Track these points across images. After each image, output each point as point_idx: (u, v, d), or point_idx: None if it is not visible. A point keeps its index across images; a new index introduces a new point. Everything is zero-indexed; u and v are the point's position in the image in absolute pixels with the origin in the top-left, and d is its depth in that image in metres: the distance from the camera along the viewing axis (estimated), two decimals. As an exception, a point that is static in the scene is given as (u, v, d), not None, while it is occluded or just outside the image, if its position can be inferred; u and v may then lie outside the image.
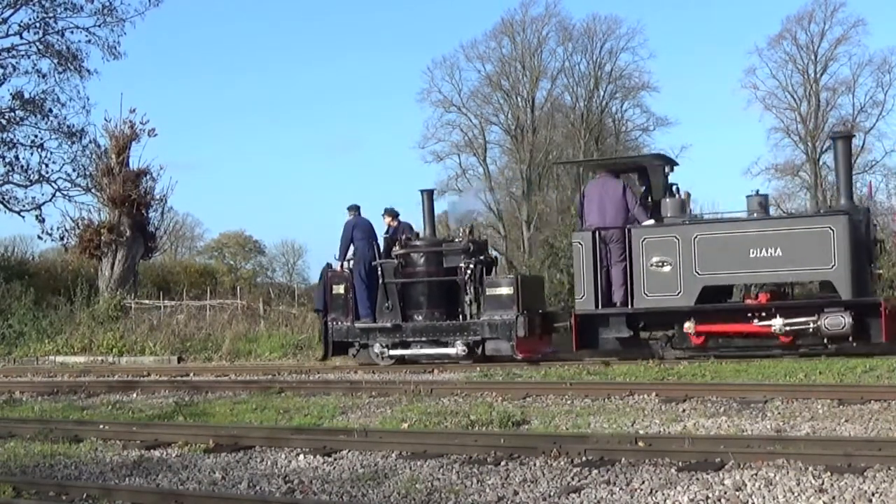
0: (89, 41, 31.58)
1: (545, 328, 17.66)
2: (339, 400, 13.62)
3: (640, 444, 9.10)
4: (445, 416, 11.57)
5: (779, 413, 10.88)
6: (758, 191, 16.69)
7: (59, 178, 31.12)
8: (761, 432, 9.81)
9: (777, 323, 15.45)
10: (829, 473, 7.75)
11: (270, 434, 10.68)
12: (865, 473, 7.69)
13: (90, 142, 31.05)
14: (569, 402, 12.40)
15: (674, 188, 17.25)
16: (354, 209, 19.24)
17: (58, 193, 31.00)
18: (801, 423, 10.18)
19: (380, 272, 18.27)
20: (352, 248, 18.88)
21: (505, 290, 17.29)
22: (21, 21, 31.44)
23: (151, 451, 10.45)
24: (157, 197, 29.67)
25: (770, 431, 9.85)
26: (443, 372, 16.82)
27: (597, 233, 16.76)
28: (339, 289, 18.71)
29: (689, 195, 17.35)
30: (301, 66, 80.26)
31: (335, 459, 9.45)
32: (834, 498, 7.16)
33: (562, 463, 8.70)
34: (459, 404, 12.61)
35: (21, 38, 31.45)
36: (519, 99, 53.13)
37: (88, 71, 31.82)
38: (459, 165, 53.48)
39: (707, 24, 72.86)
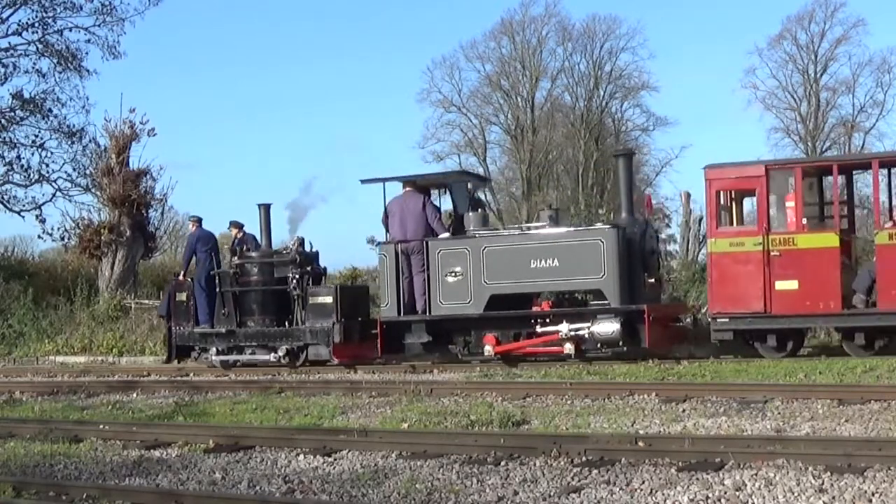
0: (89, 41, 31.61)
1: (364, 335, 18.40)
2: (339, 400, 13.62)
3: (640, 444, 9.10)
4: (445, 416, 11.57)
5: (779, 413, 10.87)
6: (551, 205, 17.38)
7: (59, 177, 31.16)
8: (761, 432, 9.81)
9: (563, 328, 16.32)
10: (829, 473, 7.75)
11: (270, 434, 10.68)
12: (865, 473, 7.69)
13: (90, 141, 31.08)
14: (569, 402, 12.40)
15: (483, 200, 18.06)
16: (196, 220, 20.50)
17: (58, 193, 31.03)
18: (801, 423, 10.18)
19: (217, 281, 19.30)
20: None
21: (326, 300, 18.27)
22: (20, 20, 31.50)
23: (151, 451, 10.45)
24: (157, 197, 29.63)
25: (770, 431, 9.85)
26: (443, 372, 16.83)
27: (398, 245, 17.70)
28: (182, 296, 19.97)
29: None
30: (301, 66, 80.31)
31: (335, 459, 9.45)
32: (834, 498, 7.16)
33: (562, 463, 8.70)
34: (459, 404, 12.61)
35: (21, 37, 31.51)
36: (519, 99, 53.16)
37: (88, 71, 31.86)
38: (459, 165, 53.43)
39: (707, 24, 72.90)
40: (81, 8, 31.38)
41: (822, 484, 7.48)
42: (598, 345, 16.34)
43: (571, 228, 17.56)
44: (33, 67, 31.43)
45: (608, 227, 16.80)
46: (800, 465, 8.02)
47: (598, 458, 8.68)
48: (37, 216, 30.83)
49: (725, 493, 7.40)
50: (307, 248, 19.19)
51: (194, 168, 70.95)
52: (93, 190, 30.22)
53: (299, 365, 18.32)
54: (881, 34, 79.86)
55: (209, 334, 19.27)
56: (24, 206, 31.10)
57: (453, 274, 17.06)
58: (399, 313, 17.62)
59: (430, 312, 17.42)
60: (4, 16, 31.32)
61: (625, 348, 16.10)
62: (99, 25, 31.50)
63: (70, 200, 30.81)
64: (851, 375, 13.55)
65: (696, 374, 14.65)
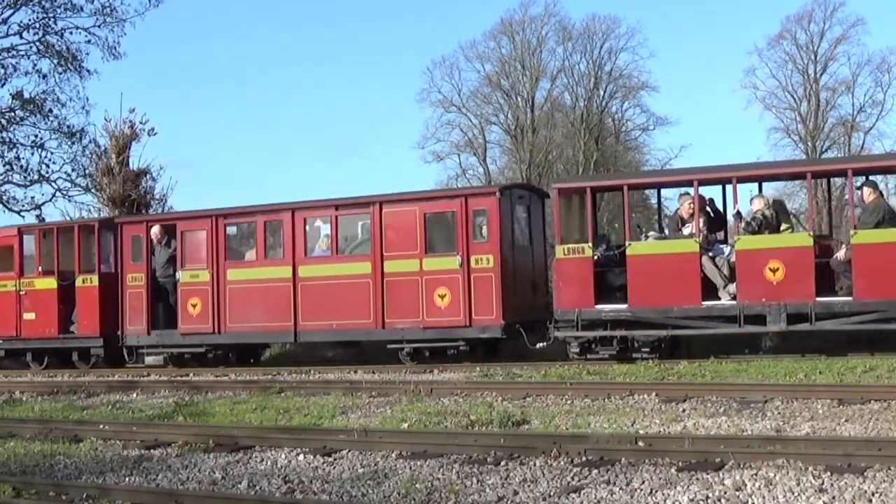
0: (89, 41, 31.65)
1: None
2: (339, 400, 13.62)
3: (640, 444, 9.10)
4: (445, 416, 11.57)
5: (779, 413, 10.88)
6: None
7: (59, 178, 31.23)
8: (761, 432, 9.81)
9: None
10: (829, 473, 7.75)
11: (270, 434, 10.68)
12: (865, 473, 7.69)
13: (90, 142, 31.13)
14: (569, 402, 12.40)
15: None
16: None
17: (58, 193, 31.12)
18: (801, 423, 10.18)
19: None
20: None
21: None
22: (21, 21, 31.52)
23: (151, 450, 10.46)
24: (157, 197, 29.56)
25: (770, 431, 9.85)
26: (443, 372, 16.82)
27: None
28: None
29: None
30: (301, 66, 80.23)
31: (335, 459, 9.45)
32: (834, 498, 7.16)
33: (562, 463, 8.70)
34: (459, 404, 12.61)
35: (21, 38, 31.53)
36: (519, 99, 53.12)
37: (88, 71, 31.89)
38: (459, 165, 53.47)
39: (707, 24, 72.81)
40: (82, 9, 31.46)
41: (822, 484, 7.48)
42: None
43: None
44: (34, 68, 31.51)
45: None
46: (800, 465, 8.03)
47: (598, 458, 8.68)
48: (37, 216, 30.88)
49: (725, 493, 7.40)
50: None
51: (194, 168, 70.86)
52: (93, 190, 30.23)
53: None
54: (881, 34, 79.75)
55: None
56: (23, 206, 31.20)
57: None
58: None
59: None
60: (5, 16, 31.38)
61: None
62: (99, 26, 31.58)
63: (70, 200, 30.92)
64: (851, 375, 13.55)
65: (696, 374, 14.65)
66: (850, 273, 14.98)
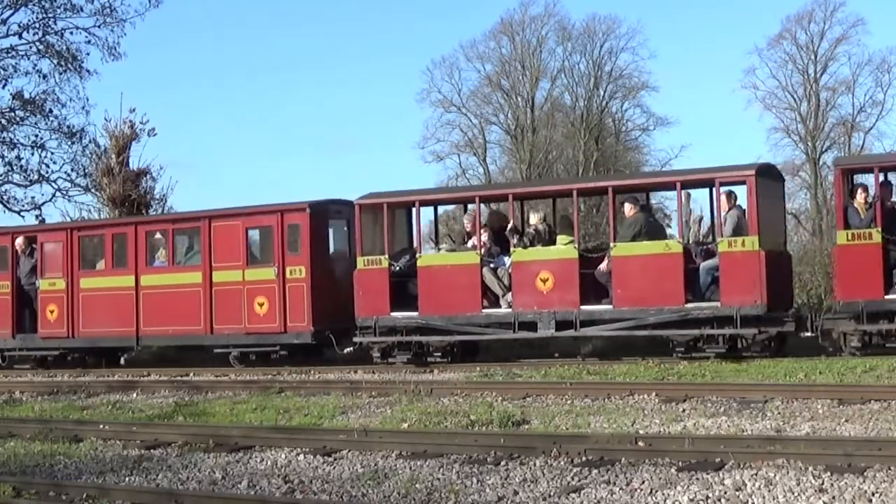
0: (89, 41, 31.58)
1: None
2: (339, 400, 13.62)
3: (640, 444, 9.10)
4: (445, 416, 11.57)
5: (779, 413, 10.87)
6: None
7: (59, 178, 31.19)
8: (761, 432, 9.81)
9: None
10: (829, 473, 7.75)
11: (270, 434, 10.68)
12: (865, 473, 7.69)
13: (90, 142, 31.08)
14: (569, 402, 12.40)
15: None
16: None
17: (58, 193, 31.07)
18: (801, 423, 10.18)
19: None
20: None
21: None
22: (21, 22, 31.49)
23: (151, 450, 10.46)
24: (157, 197, 29.55)
25: (770, 431, 9.85)
26: (443, 372, 16.84)
27: None
28: None
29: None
30: (301, 66, 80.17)
31: (335, 459, 9.45)
32: (834, 498, 7.16)
33: (562, 463, 8.70)
34: (459, 404, 12.61)
35: (21, 38, 31.50)
36: (519, 99, 53.05)
37: (88, 71, 31.83)
38: (459, 165, 53.40)
39: (707, 24, 72.72)
40: (82, 9, 31.41)
41: (822, 484, 7.48)
42: None
43: None
44: (34, 68, 31.48)
45: None
46: (800, 465, 8.03)
47: (598, 458, 8.68)
48: (37, 216, 30.87)
49: (725, 493, 7.41)
50: None
51: (194, 168, 70.83)
52: (92, 190, 30.24)
53: None
54: (881, 34, 79.71)
55: None
56: (23, 206, 31.17)
57: None
58: None
59: None
60: (5, 17, 31.34)
61: None
62: (99, 26, 31.52)
63: (70, 201, 30.87)
64: (851, 375, 13.54)
65: (696, 374, 14.64)
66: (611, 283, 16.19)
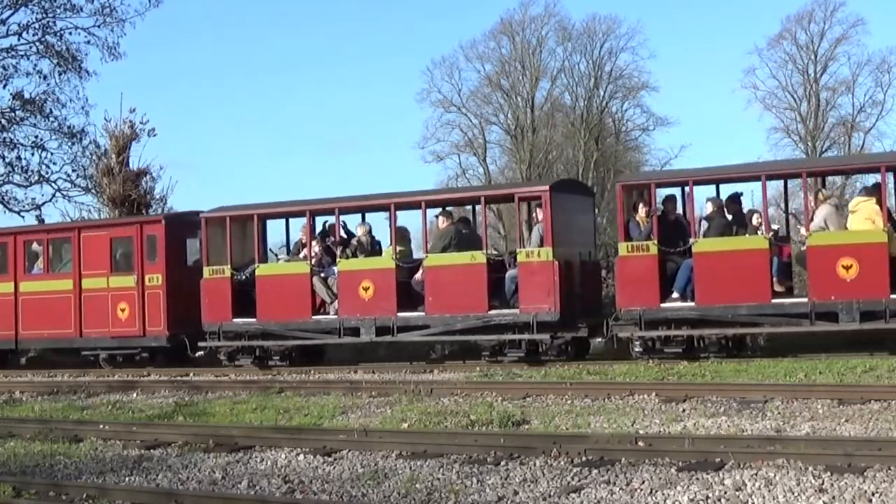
0: (89, 42, 31.58)
1: None
2: (339, 400, 13.62)
3: (640, 444, 9.10)
4: (445, 416, 11.58)
5: (779, 413, 10.87)
6: None
7: (59, 178, 31.19)
8: (761, 432, 9.81)
9: None
10: (829, 473, 7.75)
11: (270, 434, 10.69)
12: (865, 473, 7.69)
13: (90, 142, 31.08)
14: (569, 402, 12.40)
15: None
16: None
17: (58, 194, 31.08)
18: (801, 423, 10.18)
19: None
20: None
21: None
22: (21, 22, 31.48)
23: (151, 450, 10.46)
24: (158, 197, 29.56)
25: (770, 431, 9.85)
26: (443, 372, 16.85)
27: None
28: None
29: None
30: (301, 66, 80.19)
31: (335, 459, 9.45)
32: (834, 498, 7.16)
33: (562, 463, 8.70)
34: (459, 404, 12.61)
35: (20, 38, 31.49)
36: (519, 99, 53.05)
37: (88, 72, 31.83)
38: (459, 165, 53.41)
39: (707, 24, 72.76)
40: (82, 9, 31.40)
41: (822, 484, 7.48)
42: None
43: None
44: (34, 68, 31.47)
45: None
46: (800, 465, 8.03)
47: (598, 458, 8.68)
48: (37, 216, 30.87)
49: (725, 493, 7.41)
50: None
51: (194, 168, 70.86)
52: (93, 190, 30.24)
53: None
54: (881, 34, 79.71)
55: None
56: (23, 206, 31.17)
57: None
58: None
59: None
60: (4, 17, 31.34)
61: None
62: (99, 26, 31.51)
63: (70, 201, 30.88)
64: (851, 375, 13.54)
65: (696, 374, 14.64)
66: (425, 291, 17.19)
